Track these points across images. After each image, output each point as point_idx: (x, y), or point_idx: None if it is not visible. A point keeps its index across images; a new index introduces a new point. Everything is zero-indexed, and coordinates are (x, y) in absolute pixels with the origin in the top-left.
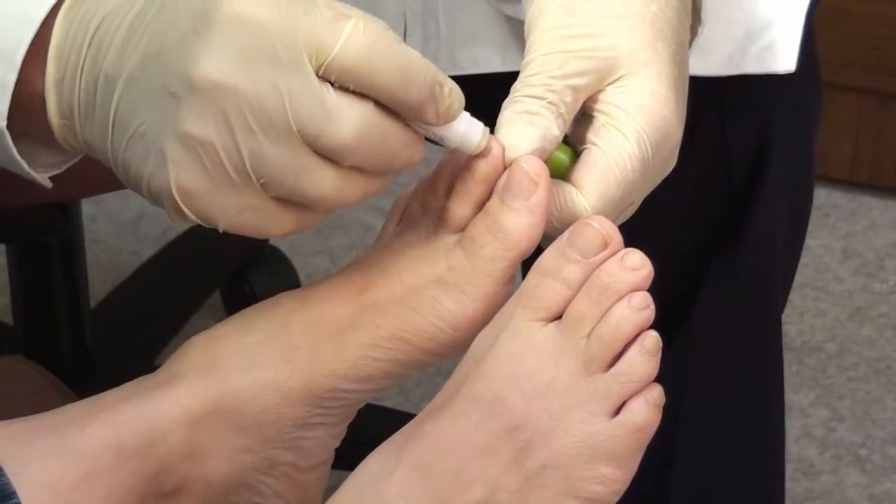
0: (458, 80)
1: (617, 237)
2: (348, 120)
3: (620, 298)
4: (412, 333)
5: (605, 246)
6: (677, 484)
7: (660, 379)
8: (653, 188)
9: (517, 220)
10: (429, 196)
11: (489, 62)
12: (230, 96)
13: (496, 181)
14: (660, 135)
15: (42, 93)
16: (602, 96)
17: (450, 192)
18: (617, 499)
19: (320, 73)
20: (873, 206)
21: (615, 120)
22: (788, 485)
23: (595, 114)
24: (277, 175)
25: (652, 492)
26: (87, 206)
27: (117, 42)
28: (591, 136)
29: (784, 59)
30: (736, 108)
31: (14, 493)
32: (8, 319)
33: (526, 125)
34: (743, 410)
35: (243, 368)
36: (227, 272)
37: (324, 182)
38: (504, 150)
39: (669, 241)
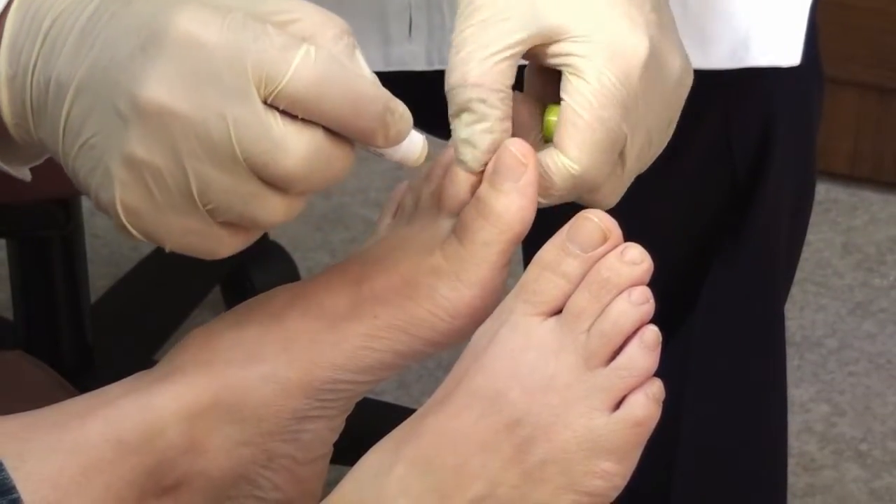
0: None
1: (616, 231)
2: (296, 151)
3: (620, 293)
4: (410, 323)
5: (605, 240)
6: (679, 480)
7: (662, 373)
8: (663, 118)
9: (508, 203)
10: (423, 189)
11: None
12: (176, 121)
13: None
14: (620, 60)
15: None
16: (553, 49)
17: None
18: (617, 493)
19: (269, 100)
20: (874, 201)
21: (572, 67)
22: (789, 479)
23: (558, 69)
24: (224, 202)
25: (654, 488)
26: (88, 202)
27: (69, 45)
28: (561, 93)
29: (788, 52)
30: (738, 101)
31: (14, 487)
32: (8, 314)
33: (467, 134)
34: (745, 404)
35: (242, 362)
36: (228, 267)
37: (272, 209)
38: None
39: (672, 234)
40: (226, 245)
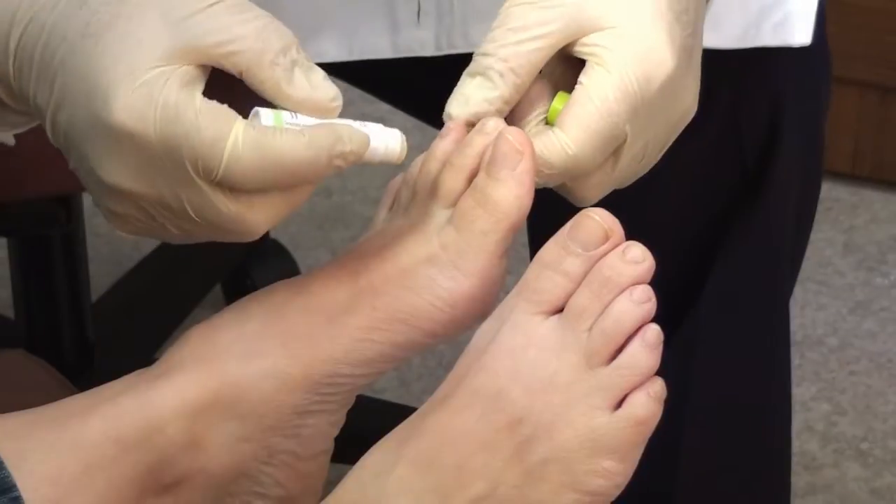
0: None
1: (618, 230)
2: (251, 219)
3: (622, 292)
4: (409, 314)
5: (606, 238)
6: (683, 479)
7: (665, 371)
8: (666, 137)
9: (505, 191)
10: (419, 181)
11: None
12: (138, 198)
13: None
14: (645, 65)
15: None
16: (586, 39)
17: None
18: (619, 492)
19: (215, 182)
20: (875, 200)
21: (599, 58)
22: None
23: (585, 57)
24: (205, 236)
25: (657, 487)
26: (89, 200)
27: (34, 74)
28: (580, 77)
29: (799, 32)
30: (748, 81)
31: (15, 486)
32: (9, 313)
33: (471, 90)
34: (749, 401)
35: (242, 357)
36: (229, 265)
37: (254, 234)
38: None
39: (677, 228)
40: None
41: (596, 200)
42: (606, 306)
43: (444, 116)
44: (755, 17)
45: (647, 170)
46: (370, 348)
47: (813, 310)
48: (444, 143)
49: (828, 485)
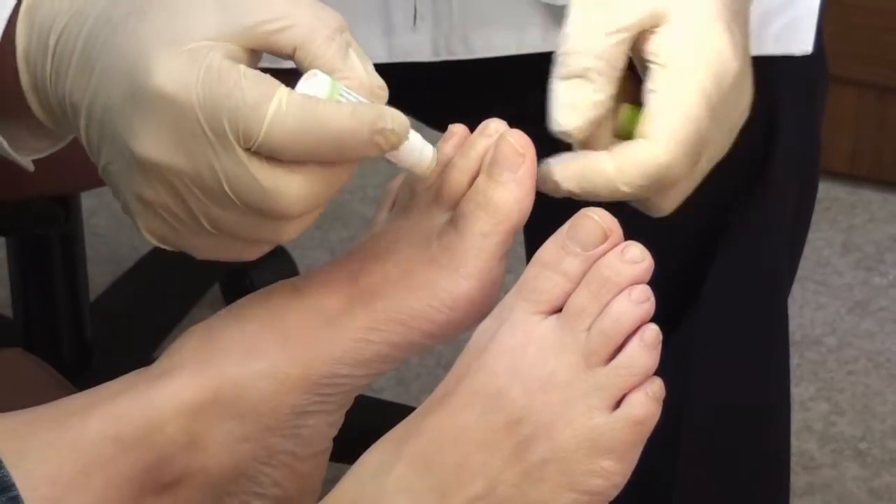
0: (473, 62)
1: (617, 230)
2: (288, 193)
3: (620, 292)
4: (408, 315)
5: (605, 238)
6: (682, 478)
7: (665, 371)
8: (729, 137)
9: (506, 194)
10: (419, 182)
11: (504, 45)
12: (172, 172)
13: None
14: (715, 66)
15: (11, 81)
16: (652, 45)
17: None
18: (617, 492)
19: (252, 150)
20: (873, 200)
21: (669, 63)
22: None
23: (650, 63)
24: (233, 230)
25: (656, 486)
26: (87, 200)
27: (73, 66)
28: (649, 84)
29: (801, 40)
30: None
31: (13, 485)
32: (8, 312)
33: (572, 104)
34: (748, 402)
35: (241, 357)
36: (227, 265)
37: (281, 232)
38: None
39: (678, 224)
40: (249, 253)
41: (671, 210)
42: (605, 306)
43: (553, 127)
44: (756, 25)
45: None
46: (369, 349)
47: (811, 309)
48: (446, 145)
49: (826, 484)
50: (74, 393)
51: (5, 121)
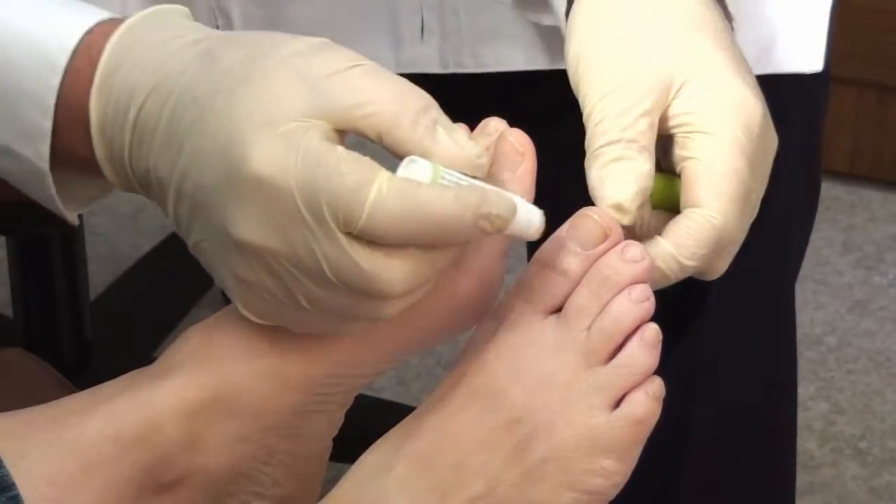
0: (482, 77)
1: (617, 229)
2: (390, 277)
3: (620, 291)
4: (406, 315)
5: (605, 238)
6: (688, 479)
7: (671, 373)
8: (764, 182)
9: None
10: None
11: (514, 60)
12: (270, 254)
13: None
14: (744, 117)
15: (79, 147)
16: (672, 112)
17: None
18: (617, 491)
19: (354, 234)
20: (873, 199)
21: (695, 126)
22: None
23: (675, 132)
24: (332, 309)
25: (662, 487)
26: None
27: (158, 141)
28: (681, 152)
29: (811, 58)
30: None
31: (13, 484)
32: (8, 312)
33: (617, 174)
34: (755, 403)
35: (241, 357)
36: None
37: (384, 309)
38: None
39: None
40: (351, 328)
41: (725, 269)
42: (605, 305)
43: (604, 202)
44: (767, 43)
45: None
46: (368, 349)
47: (811, 309)
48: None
49: (826, 484)
50: (74, 392)
51: (58, 172)
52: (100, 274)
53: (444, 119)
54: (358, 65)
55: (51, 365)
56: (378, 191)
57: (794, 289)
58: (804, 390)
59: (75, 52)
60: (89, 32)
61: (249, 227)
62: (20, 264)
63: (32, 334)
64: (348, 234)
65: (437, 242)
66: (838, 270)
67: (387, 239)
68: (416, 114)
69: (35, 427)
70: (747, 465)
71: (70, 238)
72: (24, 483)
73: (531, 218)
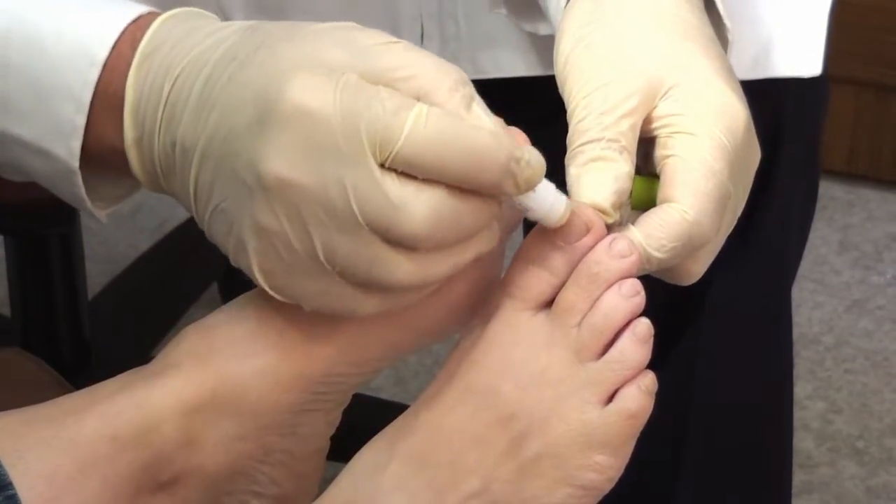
0: (481, 83)
1: (598, 222)
2: (417, 212)
3: (610, 286)
4: (403, 313)
5: (588, 230)
6: (686, 476)
7: (670, 372)
8: (746, 189)
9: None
10: None
11: (513, 66)
12: (298, 192)
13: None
14: (727, 118)
15: (110, 137)
16: (657, 114)
17: None
18: (611, 486)
19: (386, 164)
20: (871, 198)
21: (678, 127)
22: None
23: (658, 133)
24: (350, 265)
25: (660, 485)
26: None
27: (189, 109)
28: (662, 151)
29: (810, 61)
30: (748, 96)
31: (10, 483)
32: (6, 311)
33: (595, 173)
34: (752, 402)
35: (238, 356)
36: (225, 264)
37: (397, 271)
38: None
39: None
40: (360, 306)
41: (700, 274)
42: (595, 301)
43: (580, 200)
44: (765, 46)
45: (733, 226)
46: (364, 347)
47: (809, 308)
48: None
49: (824, 483)
50: (72, 392)
51: (86, 171)
52: (98, 273)
53: (479, 98)
54: (398, 41)
55: (49, 364)
56: (417, 115)
57: (791, 288)
58: (801, 389)
59: (115, 46)
60: (133, 22)
61: (281, 161)
62: (18, 263)
63: (30, 334)
64: (381, 166)
65: (468, 177)
66: (836, 270)
67: (421, 167)
68: (454, 83)
69: (32, 426)
70: (744, 464)
71: (68, 237)
72: (21, 482)
73: (556, 203)
